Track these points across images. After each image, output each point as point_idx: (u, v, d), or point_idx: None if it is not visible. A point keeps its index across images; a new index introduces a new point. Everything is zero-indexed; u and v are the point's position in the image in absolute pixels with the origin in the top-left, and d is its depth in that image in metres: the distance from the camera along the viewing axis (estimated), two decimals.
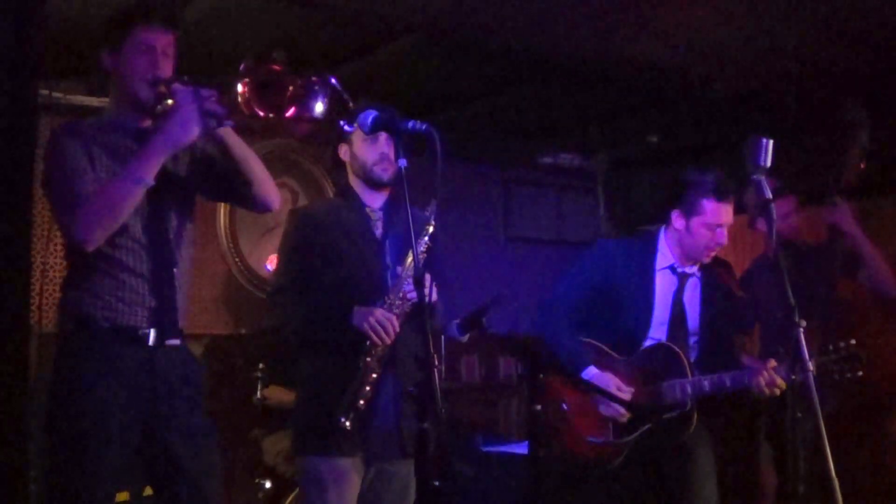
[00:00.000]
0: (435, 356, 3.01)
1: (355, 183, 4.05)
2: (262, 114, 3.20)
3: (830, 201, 4.95)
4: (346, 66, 5.87)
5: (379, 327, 3.71)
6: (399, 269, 3.83)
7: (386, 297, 3.79)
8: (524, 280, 8.13)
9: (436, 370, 3.01)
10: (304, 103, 3.22)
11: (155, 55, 3.29)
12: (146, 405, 3.27)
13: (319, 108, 3.24)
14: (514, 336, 6.92)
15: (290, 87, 3.23)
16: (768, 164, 3.58)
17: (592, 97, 6.70)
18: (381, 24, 5.34)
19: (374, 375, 3.73)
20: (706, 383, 4.12)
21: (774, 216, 3.55)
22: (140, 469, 3.35)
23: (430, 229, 3.81)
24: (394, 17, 5.23)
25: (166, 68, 3.32)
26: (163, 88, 3.28)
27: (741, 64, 5.88)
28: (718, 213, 4.25)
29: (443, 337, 5.22)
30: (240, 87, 3.16)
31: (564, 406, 4.32)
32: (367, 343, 3.72)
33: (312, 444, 3.85)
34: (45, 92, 5.63)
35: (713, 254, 4.31)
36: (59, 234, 5.75)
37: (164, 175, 3.31)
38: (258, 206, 3.54)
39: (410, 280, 3.74)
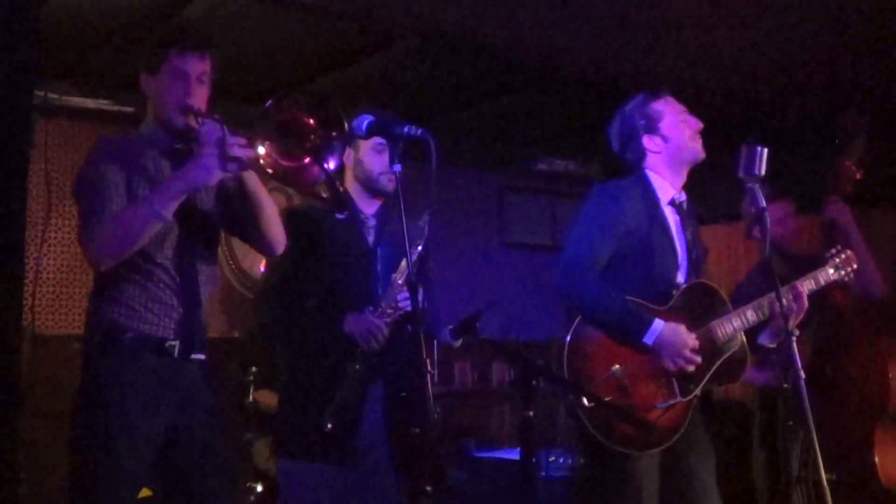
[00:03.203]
0: (427, 361, 3.01)
1: (352, 187, 4.05)
2: (284, 164, 3.21)
3: (828, 199, 4.94)
4: (342, 71, 5.88)
5: (369, 334, 3.71)
6: (393, 276, 3.83)
7: (379, 305, 3.79)
8: (519, 286, 8.14)
9: (428, 375, 3.01)
10: (321, 155, 3.23)
11: (189, 82, 3.31)
12: (170, 416, 3.28)
13: (332, 164, 3.23)
14: (507, 342, 6.93)
15: (311, 136, 3.23)
16: (763, 172, 3.58)
17: (588, 103, 6.70)
18: (378, 30, 5.34)
19: (362, 382, 3.72)
20: (749, 312, 3.85)
21: (769, 225, 3.55)
22: (151, 476, 3.35)
23: (423, 240, 3.81)
24: (391, 23, 5.24)
25: (200, 95, 3.33)
26: (193, 120, 3.29)
27: (739, 72, 5.89)
28: (671, 104, 3.98)
29: (435, 342, 5.21)
30: (261, 149, 3.18)
31: (616, 375, 3.79)
32: (358, 350, 3.71)
33: (294, 448, 3.83)
34: (40, 93, 5.63)
35: (700, 141, 3.95)
36: (52, 235, 5.81)
37: (193, 204, 3.37)
38: (264, 247, 3.54)
39: (404, 289, 3.74)
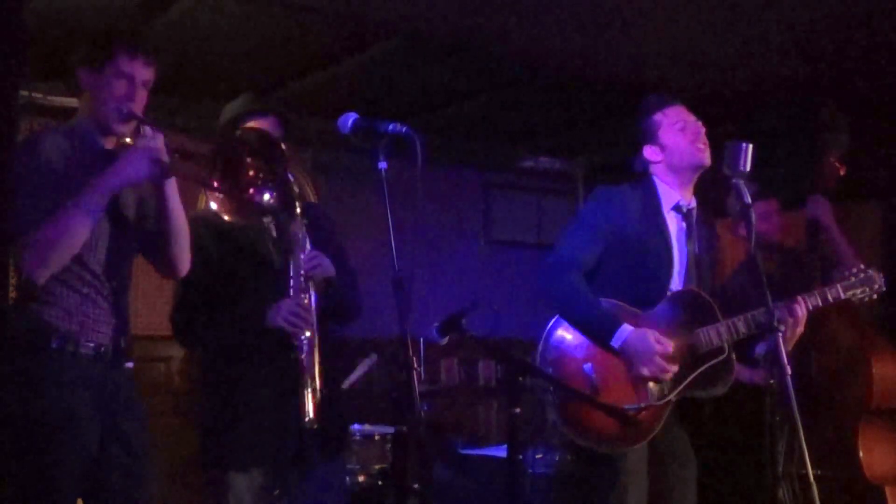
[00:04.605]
0: (414, 359, 3.00)
1: None
2: (229, 199, 3.29)
3: (811, 197, 4.96)
4: (327, 69, 5.87)
5: (294, 317, 3.63)
6: (291, 233, 3.73)
7: (288, 288, 3.68)
8: (504, 283, 8.15)
9: (414, 373, 3.00)
10: (260, 189, 3.28)
11: (133, 86, 3.30)
12: (104, 417, 3.26)
13: (266, 197, 3.29)
14: (493, 339, 6.92)
15: (251, 172, 3.28)
16: (748, 168, 3.58)
17: (573, 101, 6.71)
18: (363, 28, 5.34)
19: (317, 369, 3.63)
20: (740, 324, 3.81)
21: (754, 221, 3.55)
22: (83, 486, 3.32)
23: (299, 207, 3.71)
24: (375, 21, 5.23)
25: (140, 101, 3.34)
26: (133, 125, 3.30)
27: (721, 68, 5.90)
28: (673, 115, 4.03)
29: (422, 340, 5.17)
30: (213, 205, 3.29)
31: (590, 374, 3.84)
32: (294, 343, 3.63)
33: (229, 459, 3.69)
34: (25, 93, 5.61)
35: (705, 148, 3.95)
36: None
37: (120, 212, 3.37)
38: (168, 266, 3.49)
39: (304, 255, 3.67)
